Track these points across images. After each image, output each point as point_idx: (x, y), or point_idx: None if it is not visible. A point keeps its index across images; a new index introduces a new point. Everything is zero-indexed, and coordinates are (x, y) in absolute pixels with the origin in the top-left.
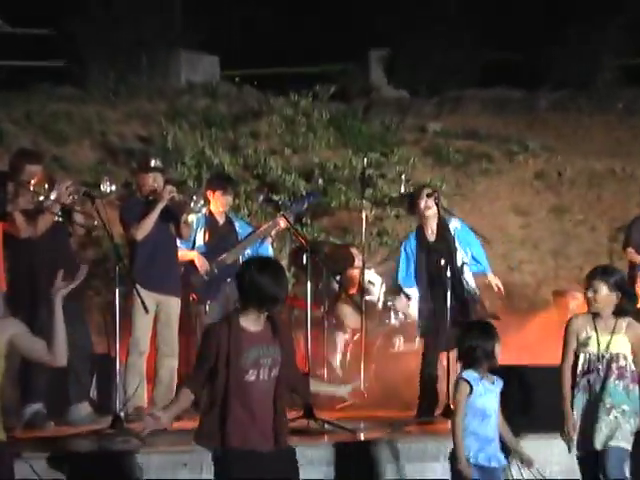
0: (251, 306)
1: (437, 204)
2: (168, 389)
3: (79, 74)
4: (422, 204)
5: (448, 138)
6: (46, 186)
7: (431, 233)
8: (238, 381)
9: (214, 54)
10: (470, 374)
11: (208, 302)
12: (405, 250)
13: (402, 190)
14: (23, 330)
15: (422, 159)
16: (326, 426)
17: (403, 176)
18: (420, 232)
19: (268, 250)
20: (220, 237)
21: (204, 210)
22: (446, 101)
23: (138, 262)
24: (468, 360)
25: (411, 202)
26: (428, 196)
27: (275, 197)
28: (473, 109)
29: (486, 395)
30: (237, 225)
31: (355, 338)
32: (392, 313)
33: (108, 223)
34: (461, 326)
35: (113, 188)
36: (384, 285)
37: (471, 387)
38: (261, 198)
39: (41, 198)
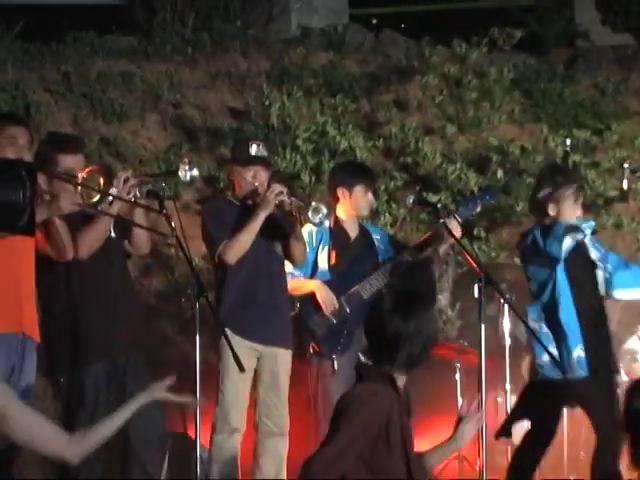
0: (396, 367)
1: None
2: None
3: (142, 17)
4: None
5: None
6: (101, 181)
7: None
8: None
9: None
10: None
11: (335, 356)
12: None
13: (624, 186)
14: (17, 403)
15: None
16: None
17: (626, 165)
18: None
19: None
20: (353, 258)
21: (328, 219)
22: None
23: (229, 296)
24: None
25: None
26: None
27: (432, 197)
28: None
29: None
30: (377, 239)
31: None
32: None
33: (183, 237)
34: None
35: (195, 173)
36: None
37: None
38: (411, 199)
39: (94, 199)
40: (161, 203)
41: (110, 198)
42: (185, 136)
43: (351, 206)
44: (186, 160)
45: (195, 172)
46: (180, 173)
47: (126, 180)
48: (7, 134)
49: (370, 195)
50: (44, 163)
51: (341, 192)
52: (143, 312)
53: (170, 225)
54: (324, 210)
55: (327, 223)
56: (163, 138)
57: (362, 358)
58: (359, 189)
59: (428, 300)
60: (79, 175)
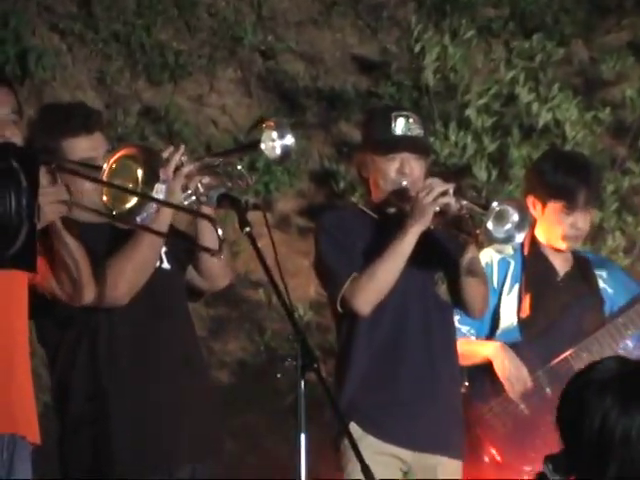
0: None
1: None
2: None
3: None
4: None
5: None
6: (139, 173)
7: None
8: None
9: None
10: None
11: (528, 467)
12: None
13: None
14: None
15: None
16: None
17: None
18: None
19: None
20: (561, 307)
21: (521, 232)
22: None
23: (358, 370)
24: None
25: None
26: None
27: None
28: None
29: None
30: (602, 276)
31: None
32: None
33: (279, 271)
34: None
35: (289, 142)
36: None
37: None
38: None
39: (127, 204)
40: (241, 215)
41: (160, 198)
42: (282, 104)
43: (552, 225)
44: (272, 123)
45: (289, 140)
46: (264, 145)
47: (178, 167)
48: None
49: (575, 219)
50: (44, 149)
51: (532, 202)
52: (213, 396)
53: (255, 247)
54: (514, 216)
55: (517, 244)
56: (245, 108)
57: (548, 468)
58: (556, 207)
59: None
60: (103, 167)
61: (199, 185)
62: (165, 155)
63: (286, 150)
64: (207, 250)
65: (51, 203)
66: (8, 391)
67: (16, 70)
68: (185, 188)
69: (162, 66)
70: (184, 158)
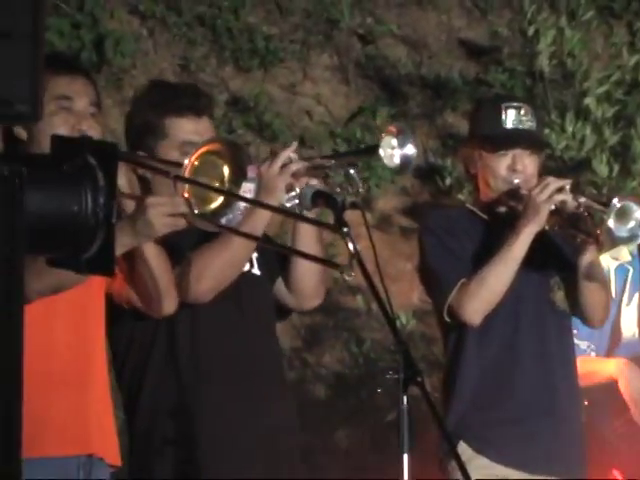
0: None
1: None
2: None
3: None
4: None
5: None
6: (225, 171)
7: None
8: None
9: None
10: None
11: None
12: None
13: None
14: None
15: None
16: None
17: None
18: None
19: None
20: None
21: None
22: None
23: (468, 385)
24: None
25: None
26: None
27: None
28: None
29: None
30: None
31: None
32: None
33: (380, 276)
34: None
35: (411, 152)
36: None
37: None
38: None
39: (212, 204)
40: (339, 214)
41: (243, 203)
42: (382, 93)
43: None
44: (394, 129)
45: (410, 149)
46: (382, 151)
47: (285, 164)
48: (56, 92)
49: None
50: (140, 135)
51: None
52: (296, 414)
53: (352, 253)
54: (638, 213)
55: (634, 252)
56: (342, 97)
57: None
58: None
59: None
60: (184, 162)
61: (303, 188)
62: (282, 153)
63: (406, 160)
64: (334, 266)
65: (164, 215)
66: (84, 408)
67: (93, 57)
68: (290, 188)
69: (251, 52)
70: (293, 155)
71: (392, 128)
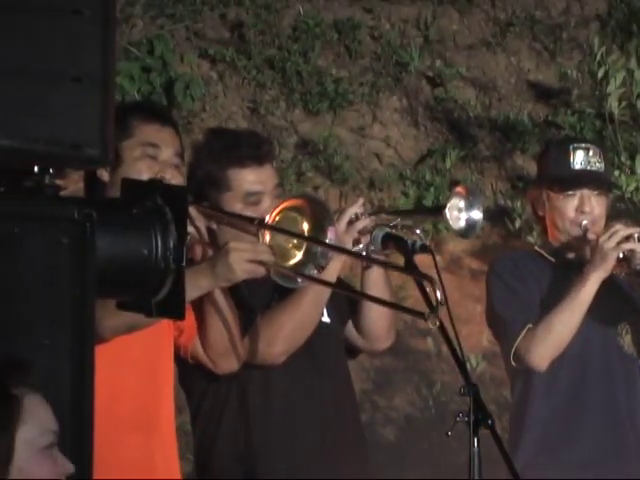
0: None
1: None
2: None
3: None
4: None
5: None
6: (305, 227)
7: None
8: None
9: None
10: None
11: None
12: None
13: None
14: None
15: None
16: None
17: None
18: None
19: None
20: None
21: None
22: None
23: (536, 428)
24: None
25: None
26: None
27: None
28: None
29: None
30: None
31: None
32: None
33: (450, 318)
34: None
35: (478, 217)
36: None
37: None
38: None
39: (293, 260)
40: (409, 258)
41: (321, 255)
42: (451, 135)
43: None
44: (461, 190)
45: (477, 214)
46: (449, 213)
47: (352, 221)
48: (144, 139)
49: None
50: (203, 187)
51: None
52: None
53: (433, 296)
54: None
55: None
56: (412, 139)
57: None
58: None
59: None
60: (265, 219)
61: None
62: (350, 209)
63: (471, 224)
64: (419, 315)
65: (246, 261)
66: (152, 454)
67: (162, 100)
68: (357, 242)
69: (320, 95)
70: (360, 211)
71: (460, 189)
